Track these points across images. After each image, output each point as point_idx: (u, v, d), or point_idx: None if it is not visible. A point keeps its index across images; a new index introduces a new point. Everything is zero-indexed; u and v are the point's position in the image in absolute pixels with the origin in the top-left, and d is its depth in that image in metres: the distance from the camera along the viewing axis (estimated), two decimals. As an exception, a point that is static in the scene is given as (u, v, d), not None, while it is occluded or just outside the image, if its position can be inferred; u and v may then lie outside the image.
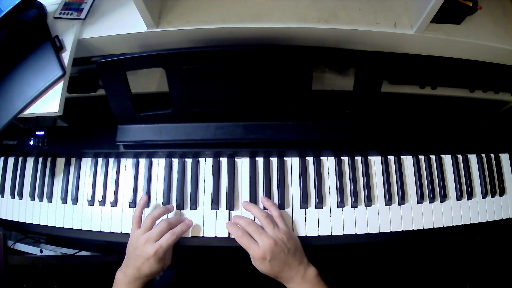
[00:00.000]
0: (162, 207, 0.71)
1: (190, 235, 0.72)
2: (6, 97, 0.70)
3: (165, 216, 0.72)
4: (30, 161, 0.82)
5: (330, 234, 0.72)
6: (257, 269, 0.65)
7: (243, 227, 0.68)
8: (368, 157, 0.77)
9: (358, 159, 0.77)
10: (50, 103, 0.67)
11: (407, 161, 0.77)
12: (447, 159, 0.78)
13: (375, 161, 0.77)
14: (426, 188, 0.76)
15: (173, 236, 0.66)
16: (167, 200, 0.74)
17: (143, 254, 0.63)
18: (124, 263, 0.67)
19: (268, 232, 0.66)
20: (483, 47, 0.73)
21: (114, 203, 0.76)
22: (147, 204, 0.75)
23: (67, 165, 0.80)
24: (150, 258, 0.63)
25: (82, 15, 0.75)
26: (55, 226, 0.77)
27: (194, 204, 0.74)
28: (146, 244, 0.64)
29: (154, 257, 0.63)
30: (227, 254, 0.96)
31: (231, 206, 0.73)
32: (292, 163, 0.76)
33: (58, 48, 0.71)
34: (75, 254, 1.09)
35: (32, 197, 0.80)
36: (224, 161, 0.76)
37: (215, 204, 0.73)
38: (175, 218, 0.71)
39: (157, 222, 0.69)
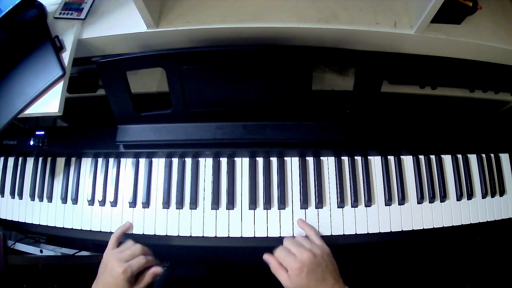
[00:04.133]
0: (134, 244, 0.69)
1: (190, 234, 0.72)
2: (6, 97, 0.70)
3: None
4: (30, 161, 0.82)
5: (330, 234, 0.72)
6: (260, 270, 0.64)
7: (283, 244, 0.67)
8: (368, 157, 0.77)
9: (358, 159, 0.77)
10: (50, 103, 0.67)
11: (407, 161, 0.77)
12: (447, 159, 0.78)
13: (375, 161, 0.77)
14: (426, 188, 0.76)
15: (144, 260, 0.66)
16: (167, 199, 0.74)
17: (113, 273, 0.64)
18: (96, 279, 0.67)
19: (305, 245, 0.65)
20: (483, 47, 0.73)
21: (114, 203, 0.76)
22: (147, 205, 0.75)
23: (67, 165, 0.80)
24: (118, 277, 0.63)
25: (82, 15, 0.75)
26: (55, 226, 0.77)
27: (194, 204, 0.74)
28: (117, 262, 0.65)
29: (122, 275, 0.63)
30: (226, 255, 0.96)
31: (231, 206, 0.73)
32: (292, 163, 0.76)
33: (58, 48, 0.71)
34: (75, 254, 1.09)
35: (32, 197, 0.80)
36: (224, 161, 0.76)
37: (215, 204, 0.73)
38: (150, 254, 0.70)
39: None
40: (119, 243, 0.71)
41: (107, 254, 0.68)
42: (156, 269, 0.68)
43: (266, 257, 0.67)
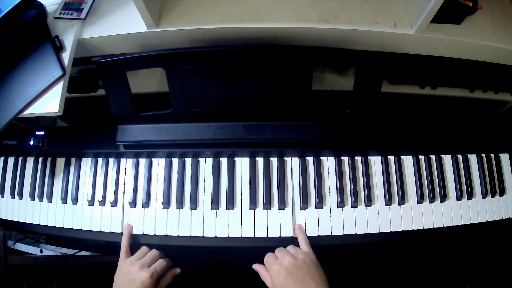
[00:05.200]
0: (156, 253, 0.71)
1: (190, 234, 0.72)
2: (6, 97, 0.70)
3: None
4: (30, 161, 0.82)
5: (330, 234, 0.72)
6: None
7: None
8: (368, 157, 0.77)
9: (358, 159, 0.77)
10: (50, 103, 0.67)
11: (407, 161, 0.77)
12: (447, 159, 0.78)
13: (375, 161, 0.77)
14: (426, 188, 0.76)
15: (165, 262, 0.69)
16: (167, 200, 0.74)
17: (139, 278, 0.64)
18: None
19: (290, 251, 0.66)
20: (483, 47, 0.73)
21: (114, 203, 0.76)
22: (147, 205, 0.75)
23: (67, 165, 0.80)
24: (146, 281, 0.64)
25: (82, 15, 0.75)
26: (55, 226, 0.77)
27: (194, 204, 0.74)
28: (142, 268, 0.66)
29: (150, 280, 0.64)
30: (226, 255, 0.96)
31: (231, 206, 0.73)
32: (292, 163, 0.76)
33: (58, 48, 0.71)
34: (75, 254, 1.09)
35: (32, 197, 0.80)
36: (224, 161, 0.76)
37: (215, 204, 0.73)
38: (165, 257, 0.73)
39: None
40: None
41: (124, 263, 0.68)
42: (175, 270, 0.71)
43: (255, 266, 0.69)
